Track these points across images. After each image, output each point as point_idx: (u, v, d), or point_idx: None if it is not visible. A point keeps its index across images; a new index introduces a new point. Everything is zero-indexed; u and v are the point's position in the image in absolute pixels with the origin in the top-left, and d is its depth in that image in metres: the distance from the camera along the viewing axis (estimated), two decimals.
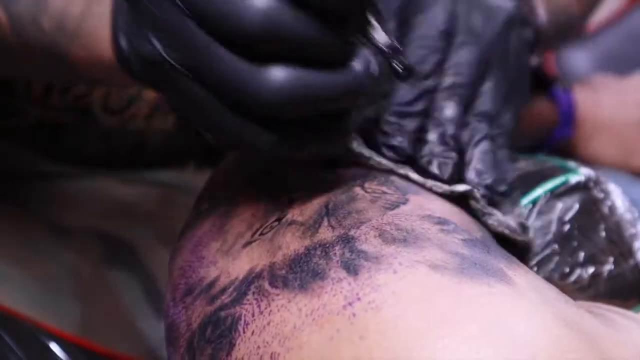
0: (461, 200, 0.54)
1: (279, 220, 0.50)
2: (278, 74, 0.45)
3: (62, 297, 0.74)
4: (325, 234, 0.48)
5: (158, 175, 0.87)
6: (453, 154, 0.54)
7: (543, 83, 1.03)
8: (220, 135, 0.48)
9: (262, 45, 0.44)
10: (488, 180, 0.55)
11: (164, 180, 0.87)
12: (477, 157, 0.55)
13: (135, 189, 0.84)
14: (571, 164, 0.61)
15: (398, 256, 0.45)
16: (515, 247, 0.55)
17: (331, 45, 0.46)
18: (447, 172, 0.54)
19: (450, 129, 0.55)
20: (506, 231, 0.54)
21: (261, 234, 0.50)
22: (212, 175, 0.60)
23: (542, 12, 0.71)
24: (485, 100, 0.57)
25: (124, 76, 0.53)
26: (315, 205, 0.50)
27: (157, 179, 0.86)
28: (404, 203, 0.50)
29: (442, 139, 0.55)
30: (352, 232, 0.47)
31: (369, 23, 0.47)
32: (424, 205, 0.50)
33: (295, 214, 0.50)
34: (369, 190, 0.51)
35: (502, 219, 0.54)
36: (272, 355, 0.44)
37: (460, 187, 0.54)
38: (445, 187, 0.53)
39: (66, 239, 0.78)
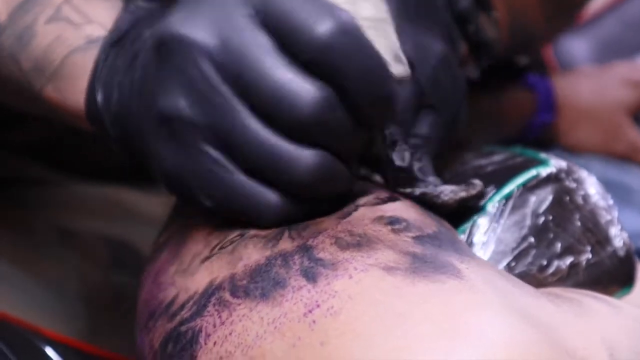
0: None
1: (241, 235, 0.51)
2: (313, 156, 0.48)
3: (67, 301, 0.75)
4: (286, 244, 0.49)
5: None
6: (406, 147, 0.57)
7: (516, 73, 1.03)
8: (224, 199, 0.50)
9: (309, 130, 0.47)
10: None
11: None
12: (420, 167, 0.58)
13: (140, 193, 0.86)
14: (542, 155, 0.62)
15: (353, 261, 0.46)
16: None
17: (358, 143, 0.50)
18: (407, 160, 0.56)
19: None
20: (463, 194, 0.56)
21: (221, 247, 0.51)
22: (173, 206, 0.60)
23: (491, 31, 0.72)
24: (421, 129, 0.60)
25: (89, 127, 0.54)
26: None
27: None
28: (355, 210, 0.51)
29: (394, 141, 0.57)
30: (310, 242, 0.48)
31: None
32: (376, 208, 0.51)
33: (258, 229, 0.51)
34: None
35: (454, 189, 0.56)
36: None
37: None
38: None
39: (72, 243, 0.79)
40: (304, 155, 0.48)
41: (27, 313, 0.72)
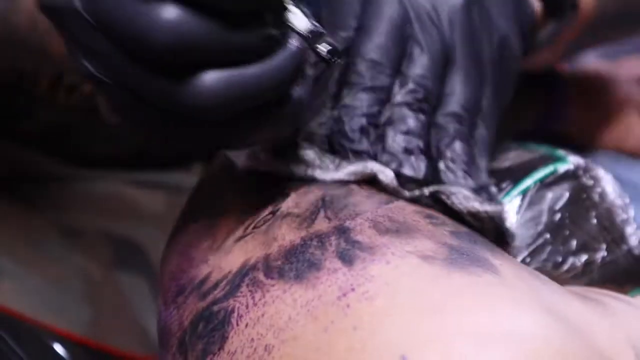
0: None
1: (273, 213, 0.50)
2: (207, 80, 0.43)
3: (72, 299, 0.75)
4: (322, 225, 0.48)
5: (165, 177, 0.88)
6: (422, 158, 0.53)
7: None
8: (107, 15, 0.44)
9: (178, 59, 0.43)
10: (463, 180, 0.53)
11: (171, 183, 0.87)
12: (449, 159, 0.54)
13: (143, 191, 0.85)
14: (560, 152, 0.62)
15: (391, 246, 0.45)
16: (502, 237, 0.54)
17: (249, 44, 0.44)
18: (421, 172, 0.52)
19: (414, 140, 0.53)
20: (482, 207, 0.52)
21: (255, 227, 0.50)
22: (200, 178, 0.60)
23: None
24: (452, 101, 0.55)
25: None
26: (311, 197, 0.51)
27: (165, 181, 0.87)
28: (397, 200, 0.51)
29: (407, 149, 0.53)
30: (347, 223, 0.47)
31: (286, 10, 0.46)
32: (414, 205, 0.51)
33: (290, 206, 0.50)
34: (364, 187, 0.52)
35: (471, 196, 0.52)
36: (267, 347, 0.44)
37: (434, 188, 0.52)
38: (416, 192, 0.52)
39: (76, 241, 0.78)
40: (196, 84, 0.43)
41: (34, 310, 0.72)
